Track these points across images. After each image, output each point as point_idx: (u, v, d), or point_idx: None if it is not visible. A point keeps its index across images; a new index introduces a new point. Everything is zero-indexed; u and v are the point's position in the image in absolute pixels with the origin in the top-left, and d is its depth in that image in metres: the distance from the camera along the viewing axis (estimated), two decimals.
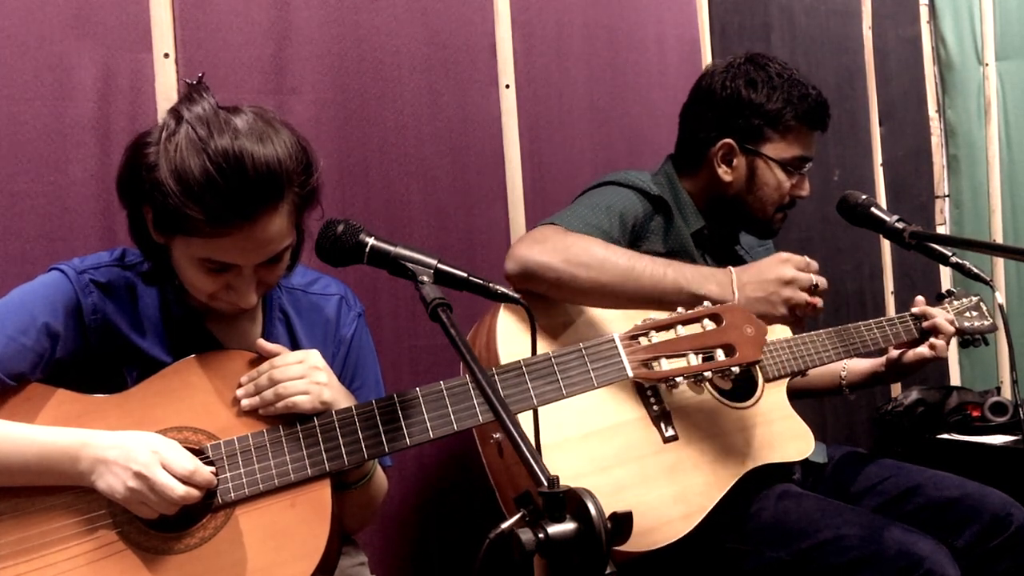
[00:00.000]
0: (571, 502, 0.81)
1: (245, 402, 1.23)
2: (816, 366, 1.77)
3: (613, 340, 1.27)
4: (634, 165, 1.92)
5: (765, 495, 1.57)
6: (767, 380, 1.71)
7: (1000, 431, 2.51)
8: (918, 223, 1.78)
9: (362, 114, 1.95)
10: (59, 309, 1.23)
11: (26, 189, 1.65)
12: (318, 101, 1.90)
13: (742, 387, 1.67)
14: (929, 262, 1.79)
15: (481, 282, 1.18)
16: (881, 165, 2.87)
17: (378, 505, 1.40)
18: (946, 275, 2.97)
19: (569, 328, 1.57)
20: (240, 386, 1.24)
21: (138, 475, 1.11)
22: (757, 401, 1.67)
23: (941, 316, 1.85)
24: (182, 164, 1.12)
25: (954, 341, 1.91)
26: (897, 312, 2.82)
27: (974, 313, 1.97)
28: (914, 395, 2.63)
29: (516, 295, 1.19)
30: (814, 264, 1.49)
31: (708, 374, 1.27)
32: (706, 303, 1.32)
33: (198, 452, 1.18)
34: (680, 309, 1.30)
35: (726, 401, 1.63)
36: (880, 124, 2.88)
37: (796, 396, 1.74)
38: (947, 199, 3.07)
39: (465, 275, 1.18)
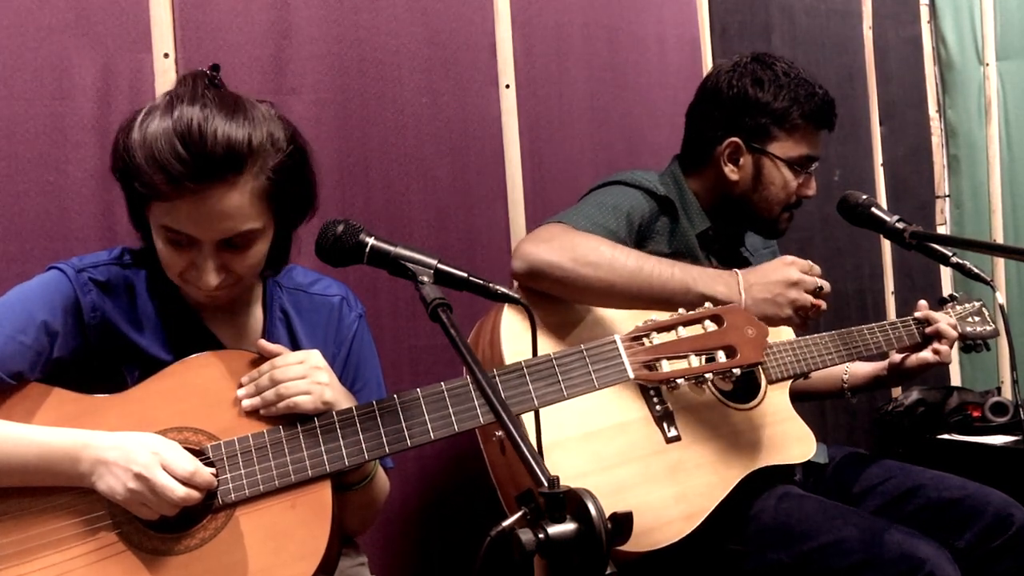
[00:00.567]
0: (571, 502, 0.81)
1: (246, 402, 1.22)
2: (818, 369, 1.77)
3: (614, 341, 1.27)
4: (634, 165, 1.92)
5: (766, 497, 1.57)
6: (770, 382, 1.71)
7: (1001, 431, 2.50)
8: (918, 223, 1.78)
9: (362, 114, 1.95)
10: (58, 308, 1.23)
11: (26, 189, 1.65)
12: (318, 101, 1.90)
13: (745, 388, 1.67)
14: (930, 262, 1.79)
15: (481, 282, 1.18)
16: (881, 165, 2.87)
17: (380, 507, 1.40)
18: (947, 275, 2.97)
19: (573, 327, 1.57)
20: (241, 386, 1.24)
21: (138, 476, 1.11)
22: (760, 403, 1.67)
23: (944, 321, 1.85)
24: (150, 127, 1.16)
25: (955, 345, 1.90)
26: (897, 312, 2.83)
27: (976, 318, 1.97)
28: (915, 395, 2.62)
29: (516, 295, 1.19)
30: (817, 268, 1.51)
31: (709, 376, 1.27)
32: (709, 304, 1.31)
33: (198, 453, 1.18)
34: (682, 309, 1.30)
35: (729, 402, 1.63)
36: (880, 124, 2.88)
37: (798, 398, 1.74)
38: (947, 199, 3.07)
39: (465, 275, 1.18)
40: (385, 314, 1.93)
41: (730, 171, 1.73)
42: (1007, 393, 2.79)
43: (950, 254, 1.71)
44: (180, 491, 1.11)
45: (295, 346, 1.36)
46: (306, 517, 1.19)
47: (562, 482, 0.83)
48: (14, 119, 1.64)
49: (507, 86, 2.13)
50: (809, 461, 1.70)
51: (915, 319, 1.89)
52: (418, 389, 1.23)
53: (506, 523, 0.81)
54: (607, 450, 1.48)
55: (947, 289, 2.96)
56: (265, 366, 1.24)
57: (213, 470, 1.17)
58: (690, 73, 2.36)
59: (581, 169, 2.20)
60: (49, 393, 1.20)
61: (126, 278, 1.30)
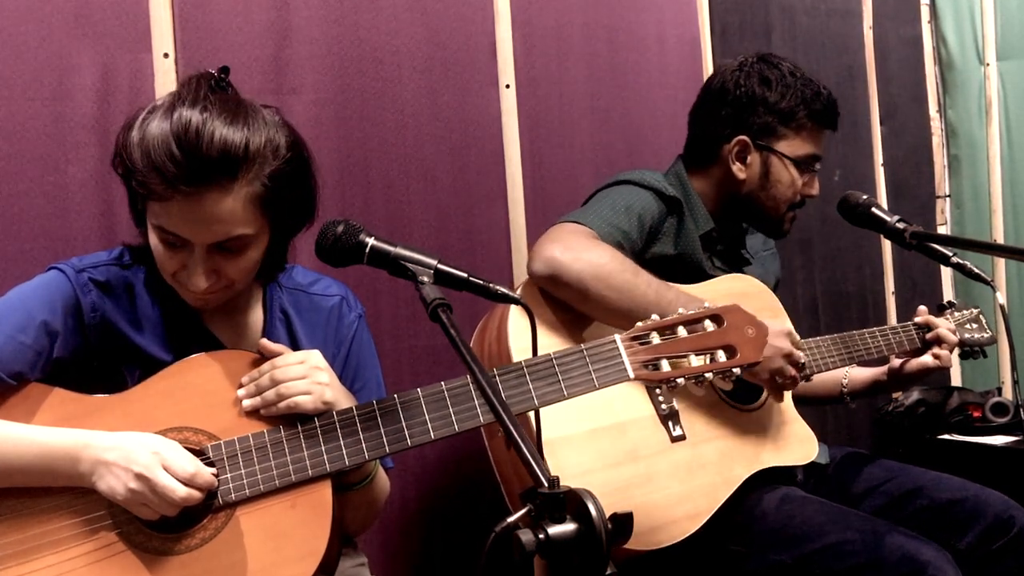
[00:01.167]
0: (571, 502, 0.81)
1: (246, 402, 1.22)
2: (819, 372, 1.77)
3: (614, 341, 1.27)
4: (634, 165, 1.92)
5: (768, 498, 1.57)
6: None
7: (1001, 432, 2.50)
8: (919, 223, 1.78)
9: (362, 114, 1.95)
10: (58, 307, 1.23)
11: (26, 189, 1.65)
12: (318, 101, 1.90)
13: (748, 390, 1.67)
14: (930, 262, 1.80)
15: (481, 282, 1.18)
16: (882, 165, 2.87)
17: (380, 507, 1.40)
18: (947, 275, 2.97)
19: (576, 326, 1.57)
20: (241, 386, 1.24)
21: (139, 476, 1.11)
22: (763, 404, 1.67)
23: (944, 326, 1.85)
24: (149, 127, 1.16)
25: (954, 351, 1.91)
26: (898, 312, 2.83)
27: (974, 325, 1.98)
28: (915, 395, 2.62)
29: (516, 295, 1.19)
30: (801, 343, 1.58)
31: (709, 375, 1.26)
32: (707, 304, 1.31)
33: (199, 452, 1.18)
34: (681, 310, 1.30)
35: (732, 403, 1.63)
36: (881, 124, 2.88)
37: (797, 403, 1.74)
38: (948, 199, 3.07)
39: (465, 275, 1.18)
40: (385, 314, 1.93)
41: (738, 169, 1.74)
42: (1007, 393, 2.78)
43: (950, 254, 1.71)
44: (181, 491, 1.11)
45: (295, 346, 1.36)
46: (306, 517, 1.19)
47: (567, 479, 0.83)
48: (14, 119, 1.64)
49: (507, 86, 2.13)
50: (811, 461, 1.70)
51: (915, 324, 1.89)
52: (418, 389, 1.23)
53: (511, 519, 0.81)
54: (612, 448, 1.48)
55: (948, 289, 2.96)
56: (266, 366, 1.24)
57: (213, 470, 1.16)
58: (690, 73, 2.36)
59: (581, 169, 2.20)
60: (49, 393, 1.20)
61: (126, 278, 1.30)
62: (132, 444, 1.13)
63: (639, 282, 1.50)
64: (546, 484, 0.83)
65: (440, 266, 1.17)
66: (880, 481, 1.74)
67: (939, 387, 2.71)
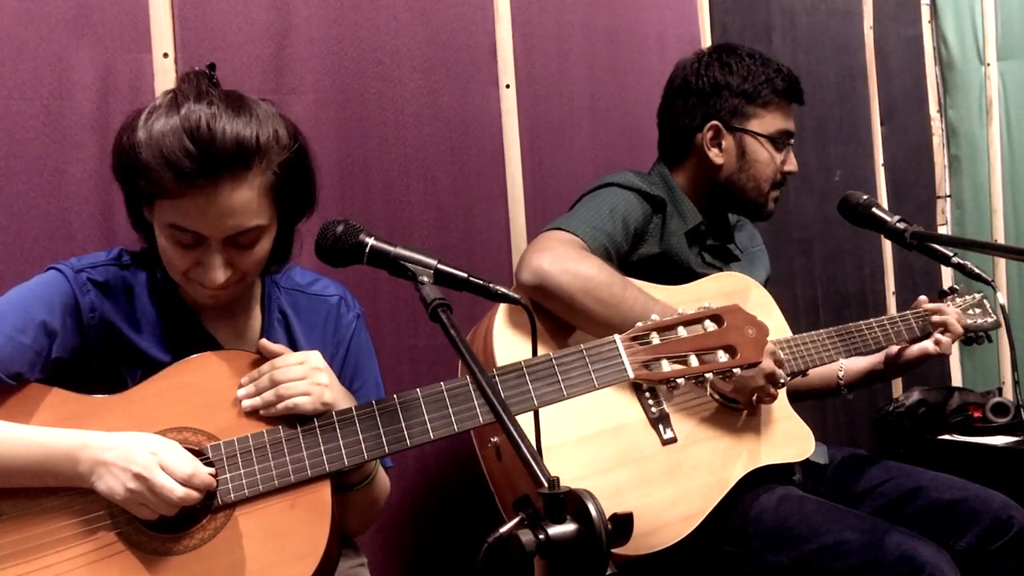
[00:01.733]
0: (571, 503, 0.81)
1: (246, 403, 1.22)
2: (817, 365, 1.77)
3: (614, 341, 1.27)
4: (635, 165, 1.92)
5: (766, 498, 1.57)
6: None
7: (1002, 432, 2.50)
8: (919, 223, 1.78)
9: (362, 114, 1.95)
10: (56, 308, 1.23)
11: (26, 189, 1.65)
12: (318, 101, 1.90)
13: None
14: (930, 263, 1.79)
15: (481, 282, 1.18)
16: (882, 165, 2.87)
17: (380, 507, 1.40)
18: (947, 276, 2.96)
19: (572, 329, 1.57)
20: (241, 387, 1.24)
21: (137, 476, 1.11)
22: None
23: (951, 314, 1.85)
24: (157, 124, 1.16)
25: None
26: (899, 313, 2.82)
27: (977, 310, 1.96)
28: (915, 396, 2.62)
29: (516, 295, 1.19)
30: (782, 359, 1.59)
31: (709, 375, 1.26)
32: (707, 304, 1.31)
33: (198, 453, 1.18)
34: (681, 310, 1.30)
35: (725, 402, 1.62)
36: (881, 124, 2.88)
37: (794, 398, 1.74)
38: (948, 199, 3.06)
39: (465, 275, 1.18)
40: (385, 314, 1.93)
41: (715, 155, 1.76)
42: (1008, 393, 2.78)
43: (951, 254, 1.71)
44: (179, 491, 1.11)
45: (293, 346, 1.36)
46: (306, 517, 1.19)
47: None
48: (14, 119, 1.64)
49: (507, 86, 2.13)
50: (809, 462, 1.70)
51: (915, 313, 1.88)
52: (418, 389, 1.23)
53: (503, 529, 0.81)
54: (603, 454, 1.48)
55: None
56: (265, 366, 1.24)
57: (212, 470, 1.16)
58: None
59: (581, 169, 2.20)
60: (49, 393, 1.20)
61: (124, 279, 1.30)
62: (131, 444, 1.13)
63: (626, 296, 1.51)
64: (546, 484, 0.83)
65: (440, 266, 1.17)
66: (880, 481, 1.74)
67: (940, 387, 2.71)
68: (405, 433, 1.21)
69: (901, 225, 1.71)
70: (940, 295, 1.99)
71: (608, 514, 0.80)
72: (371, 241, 1.20)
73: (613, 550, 0.79)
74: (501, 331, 1.52)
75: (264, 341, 1.27)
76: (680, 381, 1.25)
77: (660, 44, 2.35)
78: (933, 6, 3.02)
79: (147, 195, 1.20)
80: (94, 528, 1.15)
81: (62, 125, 1.67)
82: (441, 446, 1.91)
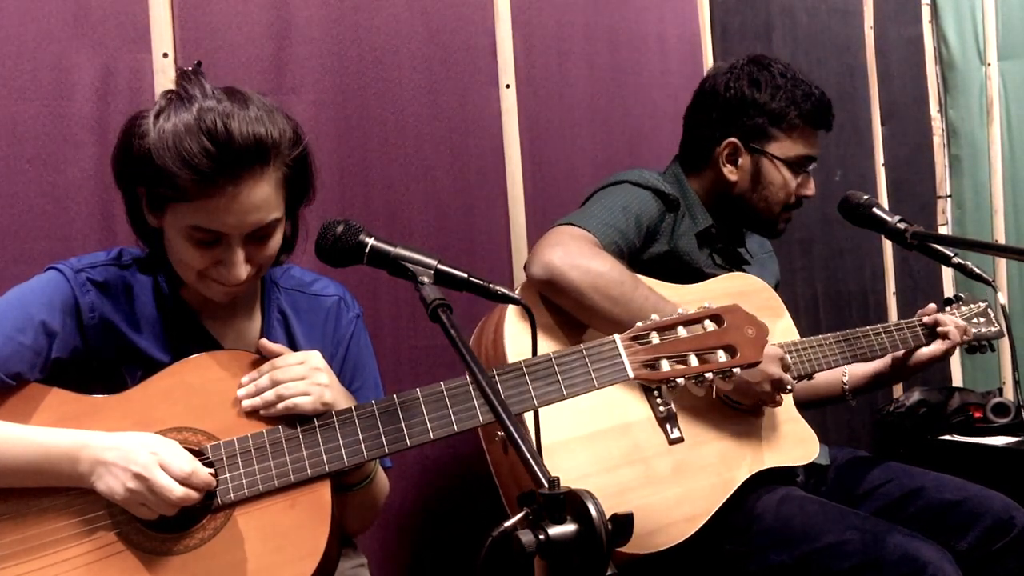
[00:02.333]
0: (572, 503, 0.81)
1: (246, 403, 1.22)
2: (823, 370, 1.77)
3: (614, 341, 1.26)
4: (634, 165, 1.92)
5: (768, 498, 1.57)
6: None
7: (1002, 432, 2.50)
8: (920, 223, 1.77)
9: (362, 114, 1.94)
10: (56, 308, 1.23)
11: (26, 189, 1.65)
12: (318, 101, 1.89)
13: None
14: (931, 263, 1.79)
15: (481, 283, 1.18)
16: (883, 165, 2.87)
17: (380, 507, 1.39)
18: (948, 276, 2.96)
19: (575, 327, 1.57)
20: (241, 387, 1.24)
21: (137, 476, 1.11)
22: None
23: (953, 324, 1.83)
24: (172, 127, 1.14)
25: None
26: (899, 313, 2.82)
27: (981, 319, 1.96)
28: (916, 396, 2.62)
29: (516, 295, 1.19)
30: (790, 363, 1.59)
31: (709, 375, 1.26)
32: (706, 304, 1.31)
33: (198, 453, 1.18)
34: (681, 310, 1.29)
35: (731, 403, 1.62)
36: (882, 124, 2.88)
37: (799, 405, 1.73)
38: (949, 199, 3.06)
39: (465, 276, 1.18)
40: (385, 315, 1.93)
41: (729, 172, 1.74)
42: (1008, 394, 2.78)
43: (951, 254, 1.71)
44: (178, 491, 1.11)
45: (293, 346, 1.36)
46: (305, 517, 1.19)
47: (564, 483, 0.83)
48: (14, 119, 1.64)
49: (507, 86, 2.13)
50: (811, 462, 1.69)
51: (921, 323, 1.87)
52: (417, 389, 1.23)
53: (507, 524, 0.81)
54: (610, 451, 1.48)
55: (949, 290, 2.95)
56: (265, 366, 1.24)
57: (212, 470, 1.16)
58: (690, 73, 2.36)
59: (581, 169, 2.20)
60: (49, 393, 1.20)
61: (124, 279, 1.29)
62: (130, 444, 1.13)
63: (636, 295, 1.50)
64: (546, 484, 0.83)
65: (440, 266, 1.17)
66: (881, 482, 1.74)
67: (940, 388, 2.70)
68: (405, 433, 1.21)
69: (901, 225, 1.70)
70: (945, 303, 1.99)
71: (610, 513, 0.80)
72: (371, 241, 1.20)
73: (616, 548, 0.79)
74: (512, 327, 1.51)
75: (263, 341, 1.27)
76: (680, 381, 1.25)
77: (660, 44, 2.35)
78: (933, 6, 3.02)
79: (160, 200, 1.19)
80: (94, 528, 1.15)
81: (62, 125, 1.67)
82: (441, 446, 1.91)
